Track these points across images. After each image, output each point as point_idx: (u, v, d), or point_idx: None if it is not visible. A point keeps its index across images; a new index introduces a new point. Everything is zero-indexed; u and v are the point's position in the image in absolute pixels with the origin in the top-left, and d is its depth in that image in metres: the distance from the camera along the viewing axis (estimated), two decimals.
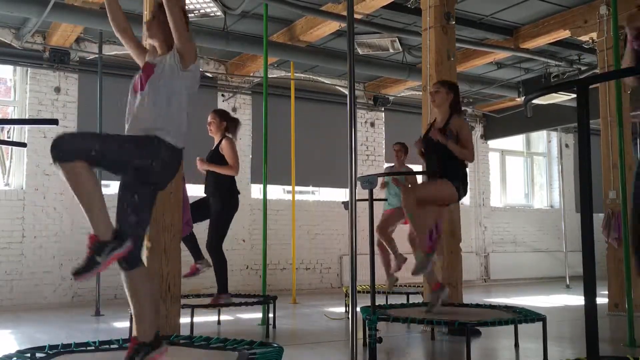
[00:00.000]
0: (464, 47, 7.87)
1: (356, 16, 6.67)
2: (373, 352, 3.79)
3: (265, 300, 5.22)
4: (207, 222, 5.21)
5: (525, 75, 9.50)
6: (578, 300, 7.78)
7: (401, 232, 6.00)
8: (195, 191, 6.37)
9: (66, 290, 7.46)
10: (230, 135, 5.26)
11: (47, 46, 7.54)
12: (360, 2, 6.38)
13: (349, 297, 3.58)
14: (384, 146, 10.27)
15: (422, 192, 4.34)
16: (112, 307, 6.69)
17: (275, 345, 3.16)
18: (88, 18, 6.49)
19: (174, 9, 2.77)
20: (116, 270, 2.75)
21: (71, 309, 6.90)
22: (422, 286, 5.70)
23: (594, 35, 6.79)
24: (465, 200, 10.91)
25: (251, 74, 8.95)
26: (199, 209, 5.16)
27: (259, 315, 5.61)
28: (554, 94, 8.48)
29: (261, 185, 6.59)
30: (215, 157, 5.18)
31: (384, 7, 6.62)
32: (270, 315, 5.25)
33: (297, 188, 8.54)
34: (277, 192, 9.25)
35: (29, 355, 2.93)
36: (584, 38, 7.16)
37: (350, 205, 3.03)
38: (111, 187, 6.73)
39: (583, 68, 8.80)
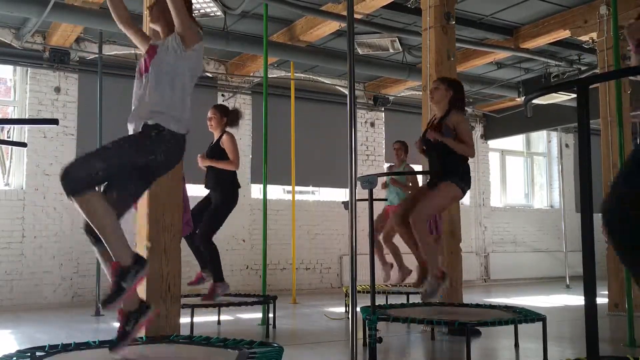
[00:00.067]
0: (464, 47, 7.87)
1: (356, 16, 6.67)
2: (373, 352, 3.79)
3: (265, 300, 5.22)
4: None
5: (525, 75, 9.50)
6: (578, 300, 7.78)
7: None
8: (196, 191, 6.37)
9: (66, 290, 7.46)
10: (230, 131, 5.27)
11: (47, 46, 7.54)
12: (360, 2, 6.38)
13: (349, 297, 3.58)
14: (384, 146, 10.27)
15: (431, 209, 4.29)
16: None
17: (275, 345, 3.16)
18: (88, 18, 6.50)
19: None
20: None
21: (71, 309, 6.90)
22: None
23: (594, 35, 6.79)
24: (465, 200, 10.91)
25: (251, 74, 8.95)
26: (201, 212, 5.16)
27: (259, 315, 5.61)
28: (554, 94, 8.49)
29: (261, 185, 6.59)
30: (216, 152, 5.18)
31: (384, 7, 6.62)
32: (270, 315, 5.25)
33: (297, 188, 8.54)
34: (277, 192, 9.25)
35: (29, 355, 2.93)
36: (584, 38, 7.16)
37: (350, 205, 3.03)
38: None
39: (583, 68, 8.81)
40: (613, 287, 6.26)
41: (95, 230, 2.65)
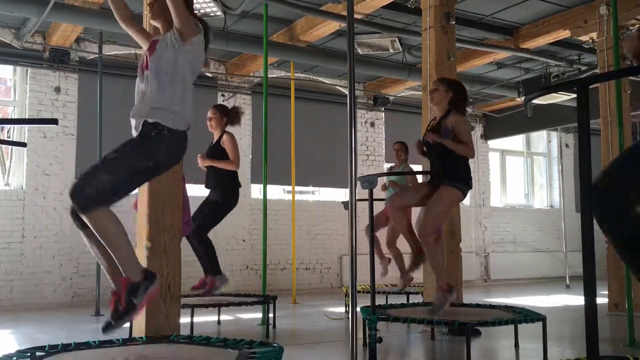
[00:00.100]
0: (464, 47, 7.87)
1: (356, 16, 6.67)
2: (373, 352, 3.79)
3: (265, 300, 5.22)
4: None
5: (525, 75, 9.50)
6: (578, 300, 7.78)
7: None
8: (196, 191, 6.37)
9: (66, 290, 7.46)
10: (230, 130, 5.28)
11: (47, 46, 7.54)
12: (360, 2, 6.38)
13: (349, 297, 3.58)
14: (384, 146, 10.27)
15: (436, 218, 4.23)
16: None
17: (275, 345, 3.16)
18: (88, 18, 6.50)
19: None
20: None
21: (71, 309, 6.90)
22: (423, 286, 5.69)
23: (594, 35, 6.79)
24: (465, 200, 10.88)
25: (251, 74, 8.95)
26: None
27: (259, 315, 5.60)
28: (554, 94, 8.49)
29: (261, 185, 6.59)
30: (216, 151, 5.19)
31: (384, 7, 6.62)
32: (270, 315, 5.25)
33: (297, 188, 8.54)
34: (277, 192, 9.25)
35: (29, 355, 2.93)
36: (584, 38, 7.16)
37: (350, 205, 3.03)
38: None
39: (583, 68, 8.80)
40: (613, 287, 6.26)
41: (105, 246, 2.66)
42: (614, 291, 6.25)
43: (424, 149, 4.52)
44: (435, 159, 4.41)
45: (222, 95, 8.94)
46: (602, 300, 6.10)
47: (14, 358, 2.91)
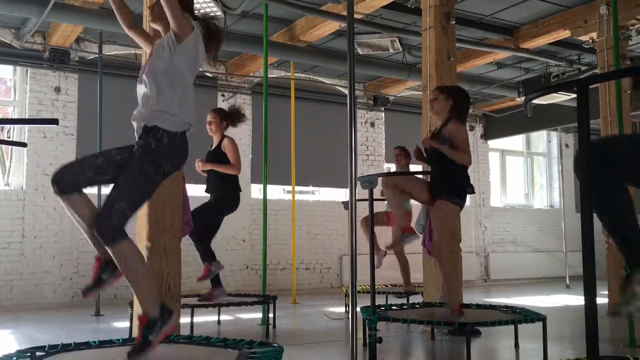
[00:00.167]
0: (464, 47, 7.87)
1: (356, 16, 6.67)
2: (373, 352, 3.79)
3: (265, 300, 5.22)
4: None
5: (525, 75, 9.50)
6: (578, 300, 7.78)
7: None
8: (195, 191, 6.37)
9: (66, 290, 7.46)
10: (230, 135, 5.26)
11: (47, 46, 7.54)
12: (360, 2, 6.38)
13: (349, 297, 3.58)
14: (384, 146, 10.27)
15: (443, 234, 4.33)
16: (112, 307, 6.70)
17: (275, 345, 3.16)
18: (88, 18, 6.50)
19: None
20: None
21: (71, 309, 6.90)
22: (423, 286, 5.69)
23: (594, 35, 6.79)
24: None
25: (251, 74, 8.94)
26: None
27: (259, 315, 5.61)
28: (554, 94, 8.48)
29: (261, 185, 6.59)
30: (216, 156, 5.15)
31: (384, 7, 6.62)
32: (270, 315, 5.26)
33: (297, 188, 8.54)
34: (277, 192, 9.25)
35: (29, 355, 2.93)
36: (584, 38, 7.16)
37: (350, 205, 3.03)
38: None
39: (583, 68, 8.80)
40: (613, 287, 6.25)
41: (126, 278, 2.69)
42: (614, 291, 6.24)
43: (424, 155, 4.56)
44: (434, 166, 4.46)
45: (222, 95, 8.94)
46: (602, 300, 6.10)
47: (14, 358, 2.91)
